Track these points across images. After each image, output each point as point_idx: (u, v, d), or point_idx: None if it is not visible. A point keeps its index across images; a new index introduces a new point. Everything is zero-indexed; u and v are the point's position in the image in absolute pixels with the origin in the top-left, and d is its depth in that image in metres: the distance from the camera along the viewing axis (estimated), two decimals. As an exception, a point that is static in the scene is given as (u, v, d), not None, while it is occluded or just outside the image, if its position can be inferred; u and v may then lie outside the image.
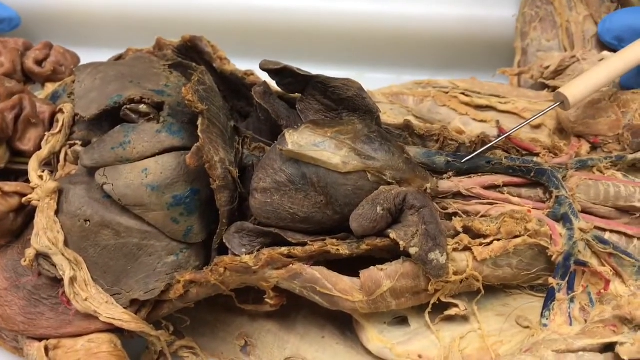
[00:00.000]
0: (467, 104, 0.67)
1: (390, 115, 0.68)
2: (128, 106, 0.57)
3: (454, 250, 0.51)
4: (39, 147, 0.62)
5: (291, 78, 0.59)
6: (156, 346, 0.58)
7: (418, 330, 0.54)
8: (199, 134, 0.53)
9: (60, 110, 0.64)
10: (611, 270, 0.52)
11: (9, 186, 0.57)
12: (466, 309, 0.53)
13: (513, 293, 0.55)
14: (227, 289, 0.56)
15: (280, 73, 0.59)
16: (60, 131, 0.62)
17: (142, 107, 0.57)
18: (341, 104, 0.58)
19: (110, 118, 0.59)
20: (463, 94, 0.68)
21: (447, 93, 0.69)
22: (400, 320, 0.55)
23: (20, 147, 0.61)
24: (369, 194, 0.51)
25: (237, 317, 0.62)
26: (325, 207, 0.51)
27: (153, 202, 0.54)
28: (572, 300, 0.51)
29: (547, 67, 0.67)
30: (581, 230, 0.51)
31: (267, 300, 0.56)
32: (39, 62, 0.70)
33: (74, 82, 0.67)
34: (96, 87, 0.60)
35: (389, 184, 0.51)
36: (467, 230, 0.52)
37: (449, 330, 0.53)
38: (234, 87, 0.67)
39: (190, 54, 0.69)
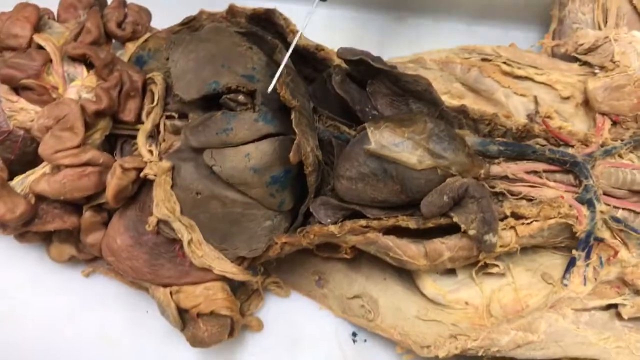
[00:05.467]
0: (508, 74, 0.76)
1: (440, 82, 0.77)
2: (227, 96, 0.65)
3: (502, 229, 0.64)
4: (137, 116, 0.71)
5: (365, 67, 0.67)
6: (252, 285, 0.73)
7: (464, 280, 0.68)
8: (295, 129, 0.63)
9: (152, 80, 0.72)
10: (620, 241, 0.66)
11: (128, 163, 0.67)
12: (503, 268, 0.67)
13: (538, 250, 0.70)
14: (311, 246, 0.69)
15: (356, 62, 0.67)
16: (157, 104, 0.71)
17: (240, 98, 0.65)
18: (408, 93, 0.67)
19: (204, 98, 0.67)
20: (505, 62, 0.77)
21: (490, 61, 0.77)
22: (449, 270, 0.70)
23: (122, 118, 0.70)
24: (437, 185, 0.62)
25: (311, 257, 0.75)
26: (400, 193, 0.63)
27: (255, 182, 0.65)
28: (587, 265, 0.66)
29: (582, 45, 0.75)
30: (601, 212, 0.65)
31: (343, 254, 0.70)
32: (119, 24, 0.76)
33: (157, 48, 0.74)
34: (191, 69, 0.68)
35: (453, 176, 0.63)
36: (513, 214, 0.64)
37: (489, 284, 0.68)
38: (302, 54, 0.75)
39: (262, 23, 0.75)
